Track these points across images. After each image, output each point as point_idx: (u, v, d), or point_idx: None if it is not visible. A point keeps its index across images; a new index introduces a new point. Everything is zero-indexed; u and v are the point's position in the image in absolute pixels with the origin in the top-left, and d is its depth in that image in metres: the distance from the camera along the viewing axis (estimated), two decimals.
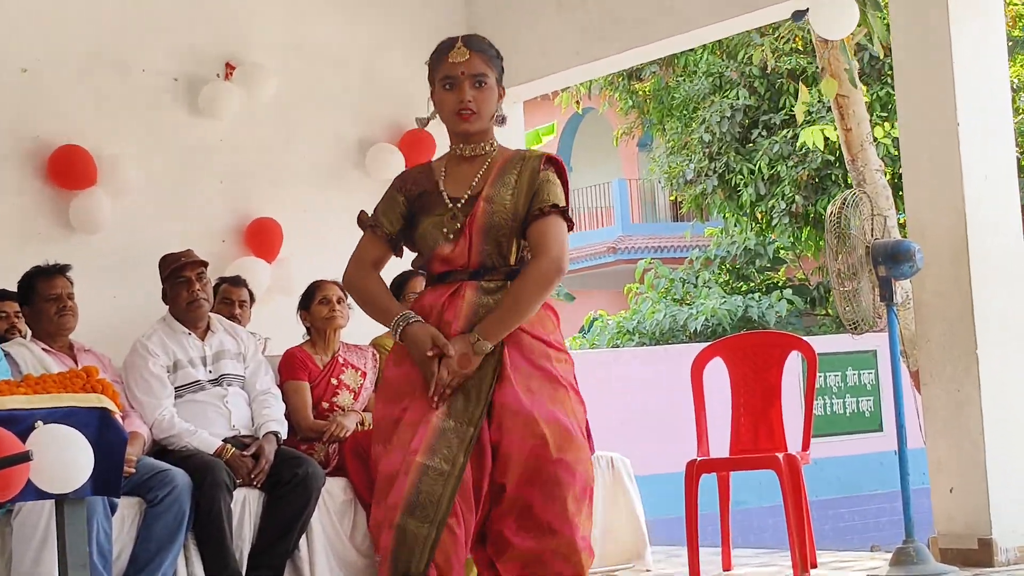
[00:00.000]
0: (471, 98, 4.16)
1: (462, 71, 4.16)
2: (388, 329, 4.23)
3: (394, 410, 4.13)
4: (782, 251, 19.39)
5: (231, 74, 7.91)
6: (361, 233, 4.38)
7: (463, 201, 4.19)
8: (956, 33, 6.47)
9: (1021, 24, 17.09)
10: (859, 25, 9.29)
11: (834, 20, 7.60)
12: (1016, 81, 16.17)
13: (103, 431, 4.60)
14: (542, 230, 4.16)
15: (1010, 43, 14.06)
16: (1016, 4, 16.92)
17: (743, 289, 19.60)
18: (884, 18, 12.31)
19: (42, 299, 6.11)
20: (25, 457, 3.47)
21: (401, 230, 4.29)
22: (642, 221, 27.97)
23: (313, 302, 6.90)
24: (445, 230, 4.17)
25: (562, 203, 4.21)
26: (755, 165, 17.19)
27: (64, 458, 4.32)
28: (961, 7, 6.50)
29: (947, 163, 6.48)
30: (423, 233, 4.21)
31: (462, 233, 4.16)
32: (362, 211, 4.39)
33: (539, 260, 4.14)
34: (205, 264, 6.56)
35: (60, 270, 6.20)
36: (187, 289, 6.43)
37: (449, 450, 3.99)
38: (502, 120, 4.29)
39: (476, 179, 4.21)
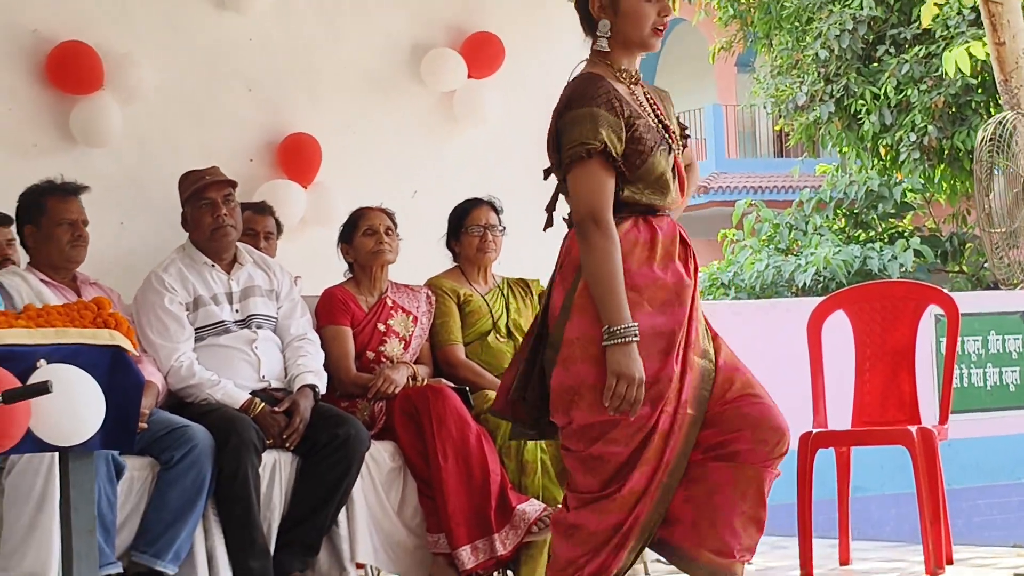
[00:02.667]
0: (668, 13, 4.56)
1: None
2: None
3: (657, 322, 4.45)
4: (910, 193, 19.25)
5: None
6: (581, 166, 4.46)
7: (663, 130, 4.57)
8: None
9: None
10: None
11: None
12: None
13: (116, 374, 4.66)
14: (689, 152, 4.78)
15: None
16: None
17: (861, 238, 19.49)
18: None
19: (53, 222, 6.17)
20: (44, 388, 3.49)
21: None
22: (740, 156, 27.93)
23: (357, 233, 6.91)
24: (669, 163, 4.53)
25: None
26: (880, 89, 17.07)
27: (71, 404, 4.36)
28: None
29: None
30: (660, 168, 4.49)
31: (677, 167, 4.59)
32: (574, 139, 4.42)
33: (693, 167, 4.84)
34: (234, 184, 6.58)
35: (77, 191, 6.26)
36: (212, 213, 6.46)
37: (706, 391, 4.47)
38: None
39: (652, 105, 4.59)
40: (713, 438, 4.43)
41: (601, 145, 4.35)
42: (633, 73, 4.56)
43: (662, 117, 4.57)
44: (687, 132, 4.75)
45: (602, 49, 4.49)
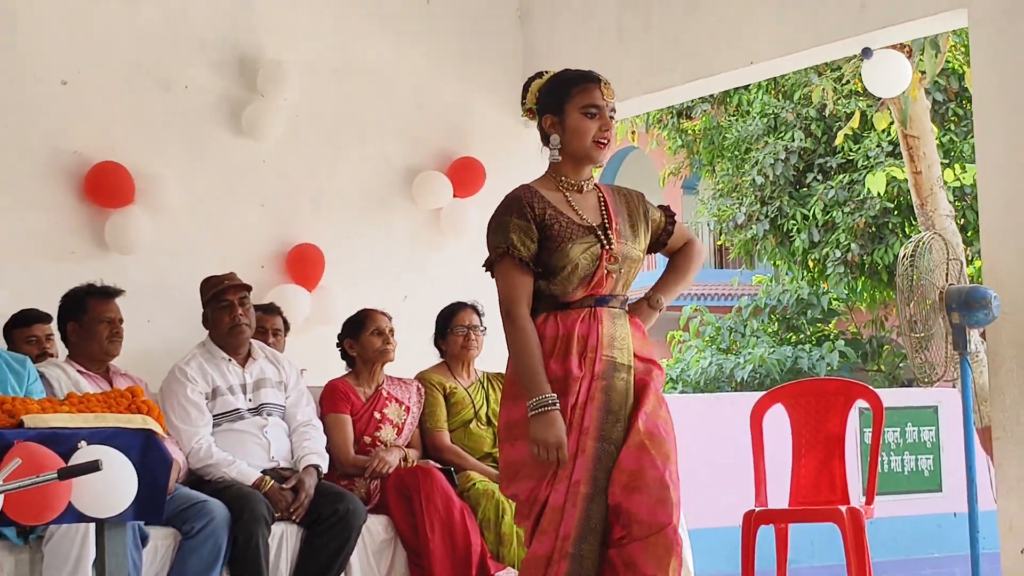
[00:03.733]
0: (609, 128, 4.59)
1: (607, 103, 4.58)
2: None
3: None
4: (835, 302, 19.33)
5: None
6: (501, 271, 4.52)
7: (600, 229, 4.54)
8: None
9: None
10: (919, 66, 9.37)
11: (887, 78, 7.86)
12: None
13: (148, 454, 4.68)
14: (682, 231, 4.85)
15: None
16: None
17: (793, 340, 19.55)
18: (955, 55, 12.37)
19: (95, 320, 6.21)
20: (95, 467, 3.51)
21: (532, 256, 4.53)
22: None
23: (364, 332, 6.94)
24: (594, 258, 4.50)
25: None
26: (809, 211, 17.15)
27: (108, 480, 4.36)
28: None
29: None
30: (573, 260, 4.49)
31: (601, 262, 4.52)
32: (491, 244, 4.53)
33: (694, 243, 4.88)
34: (248, 288, 6.62)
35: (115, 293, 6.31)
36: (229, 314, 6.50)
37: (602, 472, 4.43)
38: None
39: (601, 208, 4.61)
40: (615, 534, 4.40)
41: (508, 247, 4.45)
42: (578, 181, 4.58)
43: (608, 217, 4.57)
44: (672, 216, 4.80)
45: (555, 160, 4.58)
